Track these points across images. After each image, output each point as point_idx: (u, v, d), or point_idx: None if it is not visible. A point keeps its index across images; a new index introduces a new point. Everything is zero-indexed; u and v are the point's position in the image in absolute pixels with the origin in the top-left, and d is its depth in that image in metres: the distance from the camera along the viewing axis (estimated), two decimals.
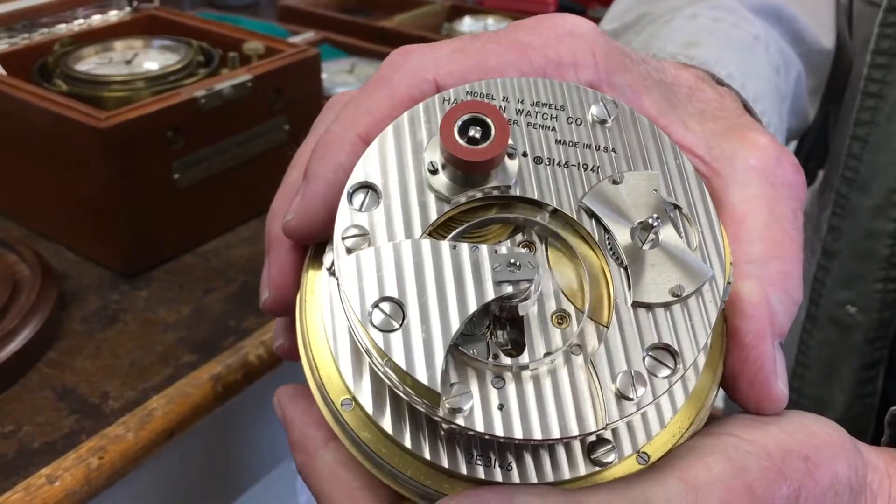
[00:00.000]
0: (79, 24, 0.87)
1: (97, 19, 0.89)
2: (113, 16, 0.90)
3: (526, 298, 0.28)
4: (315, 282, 0.32)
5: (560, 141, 0.31)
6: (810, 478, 0.29)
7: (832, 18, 0.62)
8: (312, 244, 0.33)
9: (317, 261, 0.32)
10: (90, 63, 0.82)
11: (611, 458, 0.28)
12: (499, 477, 0.28)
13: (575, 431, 0.27)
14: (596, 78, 0.34)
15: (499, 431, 0.27)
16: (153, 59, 0.83)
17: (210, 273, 0.74)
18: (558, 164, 0.31)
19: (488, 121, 0.29)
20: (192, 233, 0.77)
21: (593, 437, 0.28)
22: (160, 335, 0.66)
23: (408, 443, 0.28)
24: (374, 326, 0.27)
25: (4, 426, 0.57)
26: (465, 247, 0.28)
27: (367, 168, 0.30)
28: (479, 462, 0.28)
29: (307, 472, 0.32)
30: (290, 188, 0.34)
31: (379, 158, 0.30)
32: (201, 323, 0.68)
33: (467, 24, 1.19)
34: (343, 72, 0.99)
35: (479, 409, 0.27)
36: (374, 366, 0.28)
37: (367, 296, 0.27)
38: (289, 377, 0.70)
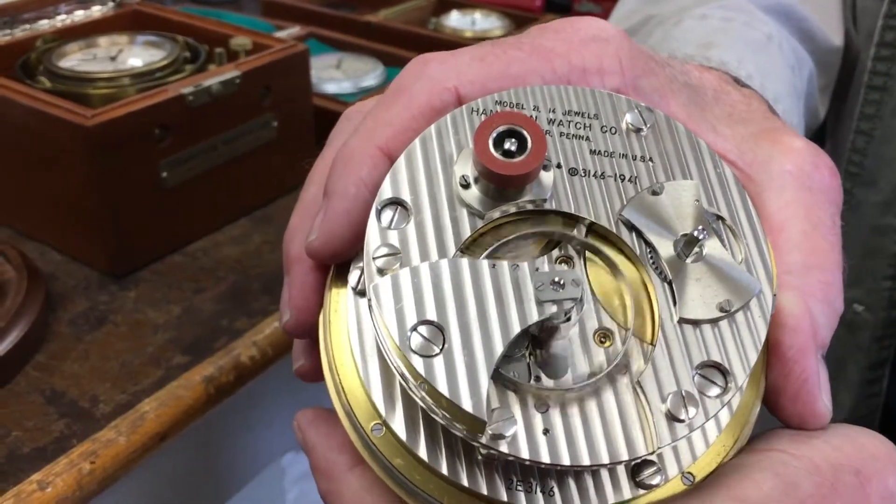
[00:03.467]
0: (61, 20, 0.86)
1: (80, 15, 0.87)
2: (96, 11, 0.88)
3: (569, 319, 0.27)
4: (339, 301, 0.31)
5: (595, 151, 0.30)
6: (862, 492, 0.28)
7: (840, 15, 0.62)
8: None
9: (340, 279, 0.31)
10: (74, 59, 0.80)
11: (657, 480, 0.27)
12: (541, 503, 0.27)
13: (624, 456, 0.26)
14: (622, 83, 0.32)
15: (545, 458, 0.25)
16: (138, 56, 0.82)
17: (200, 273, 0.73)
18: (594, 176, 0.30)
19: (524, 132, 0.27)
20: (181, 232, 0.76)
21: (638, 460, 0.27)
22: (150, 336, 0.65)
23: (444, 469, 0.27)
24: (414, 351, 0.25)
25: None
26: (505, 265, 0.27)
27: (395, 183, 0.29)
28: (519, 488, 0.27)
29: (331, 498, 0.30)
30: (309, 205, 0.33)
31: (407, 173, 0.29)
32: (192, 323, 0.67)
33: (454, 18, 1.18)
34: (330, 67, 0.98)
35: (523, 435, 0.26)
36: (407, 389, 0.27)
37: (406, 319, 0.26)
38: (280, 379, 0.70)
